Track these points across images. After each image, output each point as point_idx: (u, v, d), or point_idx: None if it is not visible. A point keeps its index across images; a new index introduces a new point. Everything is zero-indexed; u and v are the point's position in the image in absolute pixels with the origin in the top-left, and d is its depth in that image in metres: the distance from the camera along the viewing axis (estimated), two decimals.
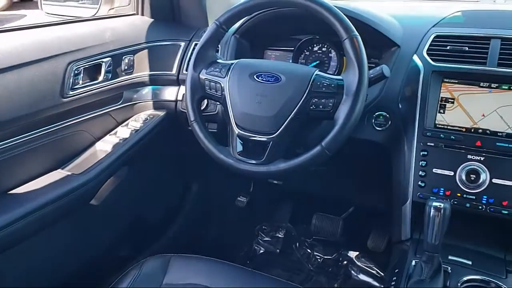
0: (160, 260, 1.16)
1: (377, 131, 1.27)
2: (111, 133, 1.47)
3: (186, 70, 1.49)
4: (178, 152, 1.77)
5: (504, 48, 1.16)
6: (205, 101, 1.43)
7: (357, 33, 1.03)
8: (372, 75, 1.07)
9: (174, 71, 1.54)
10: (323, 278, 1.91)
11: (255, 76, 1.10)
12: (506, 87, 1.13)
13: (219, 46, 1.38)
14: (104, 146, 1.41)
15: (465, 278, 1.02)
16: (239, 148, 1.11)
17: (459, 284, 1.00)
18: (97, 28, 1.43)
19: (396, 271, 1.09)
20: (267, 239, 2.07)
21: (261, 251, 2.05)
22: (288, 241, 2.06)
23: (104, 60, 1.37)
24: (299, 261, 1.99)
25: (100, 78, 1.38)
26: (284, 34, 1.47)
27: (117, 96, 1.48)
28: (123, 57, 1.45)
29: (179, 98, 1.55)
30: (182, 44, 1.56)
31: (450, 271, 1.04)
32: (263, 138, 1.07)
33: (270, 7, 1.20)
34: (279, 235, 2.08)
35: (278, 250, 2.04)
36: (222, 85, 1.13)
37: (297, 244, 2.05)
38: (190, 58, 1.45)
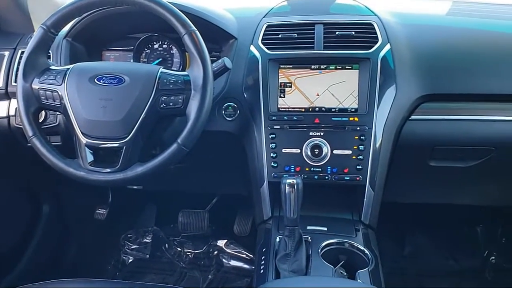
0: None
1: (228, 121, 1.31)
2: None
3: (15, 82, 1.35)
4: (20, 173, 1.60)
5: (326, 32, 1.29)
6: (43, 112, 1.32)
7: (194, 27, 1.04)
8: (215, 68, 1.10)
9: (1, 84, 1.38)
10: (196, 272, 1.93)
11: (95, 80, 1.05)
12: (333, 67, 1.26)
13: (50, 52, 1.28)
14: None
15: (323, 244, 1.12)
16: (90, 158, 1.06)
17: (319, 250, 1.09)
18: None
19: (263, 250, 1.15)
20: (134, 246, 2.01)
21: (130, 260, 1.98)
22: (156, 244, 2.03)
23: None
24: (171, 261, 1.98)
25: None
26: (120, 34, 1.42)
27: None
28: None
29: (11, 113, 1.40)
30: (6, 53, 1.41)
31: (310, 240, 1.13)
32: (115, 144, 1.03)
33: (101, 6, 1.15)
34: (147, 240, 2.03)
35: (147, 256, 2.00)
36: (60, 93, 1.06)
37: (166, 245, 2.03)
38: (18, 68, 1.32)
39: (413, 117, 1.27)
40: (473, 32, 1.34)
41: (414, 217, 1.92)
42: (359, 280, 1.02)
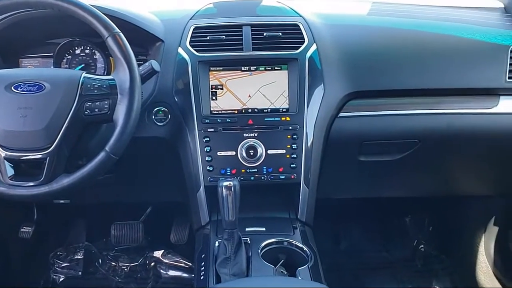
0: None
1: (159, 126, 1.27)
2: None
3: None
4: None
5: (254, 33, 1.30)
6: None
7: (118, 30, 1.01)
8: (143, 71, 1.07)
9: None
10: (133, 286, 1.86)
11: (12, 88, 0.99)
12: (263, 68, 1.27)
13: None
14: None
15: (263, 244, 1.12)
16: (10, 171, 0.99)
17: (259, 251, 1.09)
18: None
19: (202, 256, 1.13)
20: (65, 264, 1.90)
21: (62, 279, 1.87)
22: (89, 260, 1.93)
23: None
24: (105, 276, 1.90)
25: None
26: (38, 39, 1.34)
27: None
28: None
29: None
30: None
31: (249, 242, 1.12)
32: (38, 155, 0.98)
33: (16, 9, 1.08)
34: (78, 257, 1.93)
35: (80, 273, 1.90)
36: None
37: (100, 260, 1.94)
38: None
39: (341, 114, 1.31)
40: (393, 31, 1.41)
41: (348, 212, 1.98)
42: (299, 277, 1.02)
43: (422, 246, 2.04)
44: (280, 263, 1.09)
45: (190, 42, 1.28)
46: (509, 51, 1.33)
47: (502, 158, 1.49)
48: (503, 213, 1.72)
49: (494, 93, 1.35)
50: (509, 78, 1.32)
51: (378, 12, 1.52)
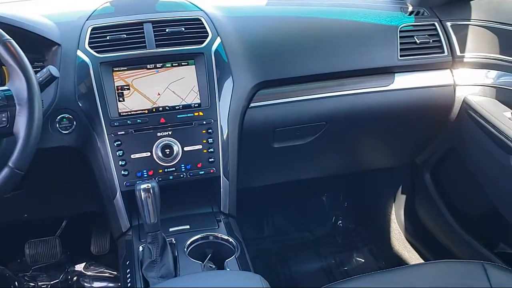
0: None
1: (64, 134, 1.20)
2: None
3: None
4: None
5: (156, 30, 1.27)
6: None
7: (9, 37, 0.95)
8: (40, 78, 1.02)
9: None
10: None
11: None
12: (169, 65, 1.25)
13: None
14: None
15: (188, 242, 1.11)
16: None
17: (185, 249, 1.09)
18: None
19: (127, 262, 1.10)
20: None
21: None
22: (3, 284, 1.79)
23: None
24: None
25: None
26: None
27: None
28: None
29: None
30: None
31: (174, 241, 1.11)
32: None
33: None
34: None
35: None
36: None
37: (16, 283, 1.81)
38: None
39: (252, 104, 1.33)
40: (292, 20, 1.45)
41: (269, 198, 2.03)
42: (228, 269, 1.04)
43: (340, 221, 2.15)
44: (208, 257, 1.10)
45: (89, 44, 1.23)
46: (398, 31, 1.44)
47: (400, 132, 1.61)
48: (407, 181, 1.87)
49: (389, 71, 1.45)
50: (400, 56, 1.43)
51: (276, 2, 1.56)
